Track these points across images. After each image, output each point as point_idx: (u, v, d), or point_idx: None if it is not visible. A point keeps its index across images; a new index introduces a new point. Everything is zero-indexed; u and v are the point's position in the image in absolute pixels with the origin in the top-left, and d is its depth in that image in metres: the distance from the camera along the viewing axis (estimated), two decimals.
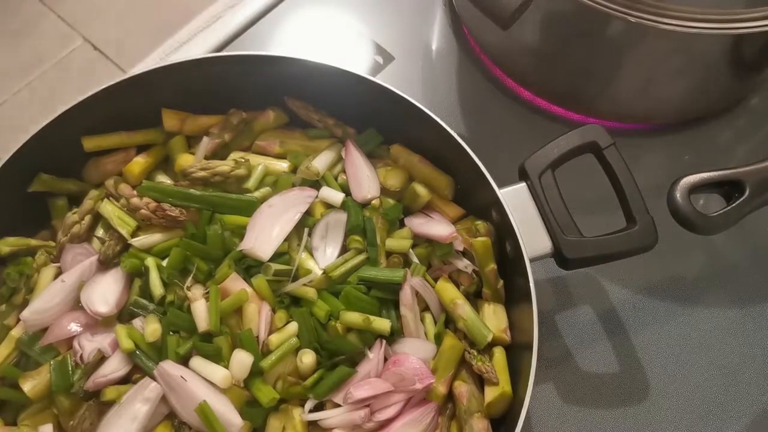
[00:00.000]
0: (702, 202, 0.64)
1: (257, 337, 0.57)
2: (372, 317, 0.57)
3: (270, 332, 0.57)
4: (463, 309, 0.59)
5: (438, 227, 0.63)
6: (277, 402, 0.56)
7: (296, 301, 0.59)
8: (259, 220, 0.60)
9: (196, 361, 0.56)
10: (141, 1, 1.90)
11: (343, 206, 0.63)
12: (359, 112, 0.66)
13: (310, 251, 0.61)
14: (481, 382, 0.59)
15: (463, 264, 0.62)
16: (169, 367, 0.55)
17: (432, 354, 0.58)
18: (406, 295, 0.59)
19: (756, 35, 0.60)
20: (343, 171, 0.66)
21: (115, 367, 0.56)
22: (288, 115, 0.68)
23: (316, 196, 0.63)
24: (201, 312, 0.56)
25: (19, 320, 0.59)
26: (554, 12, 0.67)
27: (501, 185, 0.60)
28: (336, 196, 0.63)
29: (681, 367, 0.69)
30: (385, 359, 0.57)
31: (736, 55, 0.67)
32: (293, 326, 0.57)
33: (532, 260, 0.57)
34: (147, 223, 0.62)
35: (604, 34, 0.65)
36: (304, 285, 0.59)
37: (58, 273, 0.61)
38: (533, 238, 0.59)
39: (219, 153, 0.66)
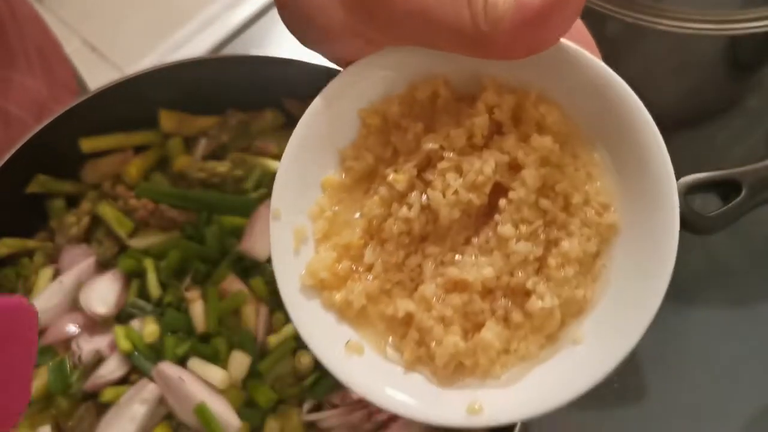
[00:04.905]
0: (699, 202, 0.64)
1: (255, 337, 0.57)
2: None
3: (268, 333, 0.57)
4: None
5: None
6: (275, 403, 0.56)
7: None
8: (257, 221, 0.60)
9: (194, 362, 0.56)
10: (140, 2, 1.90)
11: None
12: None
13: None
14: None
15: None
16: (167, 368, 0.55)
17: None
18: None
19: (752, 36, 0.60)
20: None
21: (113, 368, 0.56)
22: (285, 116, 0.68)
23: None
24: (199, 313, 0.56)
25: None
26: None
27: None
28: None
29: (678, 367, 0.69)
30: None
31: (733, 56, 0.67)
32: (291, 327, 0.57)
33: None
34: (145, 224, 0.62)
35: (601, 35, 0.65)
36: None
37: (56, 274, 0.61)
38: None
39: (217, 154, 0.66)
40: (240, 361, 0.55)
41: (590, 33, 0.40)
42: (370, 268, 0.37)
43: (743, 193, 0.59)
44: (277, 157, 0.66)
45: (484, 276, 0.35)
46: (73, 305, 0.59)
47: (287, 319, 0.58)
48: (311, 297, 0.36)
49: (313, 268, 0.36)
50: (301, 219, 0.37)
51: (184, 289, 0.58)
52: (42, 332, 0.58)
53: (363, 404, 0.55)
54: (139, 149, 0.67)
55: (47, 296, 0.59)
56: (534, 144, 0.35)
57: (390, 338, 0.37)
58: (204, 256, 0.60)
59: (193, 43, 0.89)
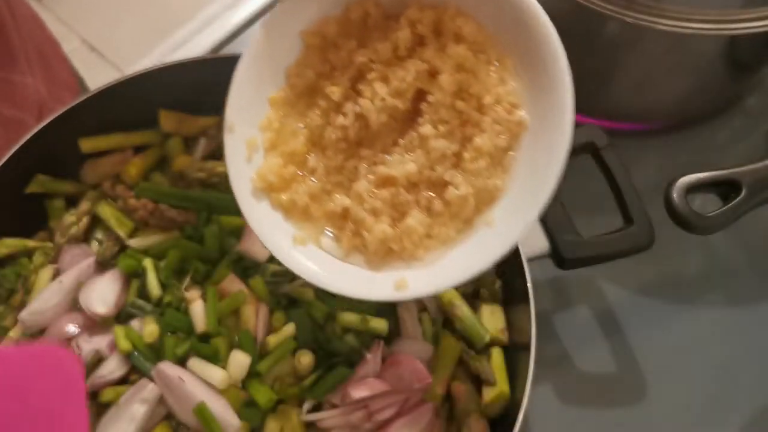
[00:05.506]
0: (699, 202, 0.64)
1: (255, 337, 0.57)
2: (369, 317, 0.57)
3: (268, 333, 0.57)
4: (461, 310, 0.59)
5: None
6: (275, 403, 0.56)
7: (294, 301, 0.59)
8: None
9: (194, 362, 0.55)
10: (140, 1, 1.90)
11: None
12: None
13: None
14: (478, 382, 0.59)
15: None
16: (167, 368, 0.55)
17: (430, 354, 0.58)
18: None
19: (751, 36, 0.60)
20: None
21: (113, 368, 0.56)
22: None
23: None
24: (199, 313, 0.56)
25: (17, 321, 0.59)
26: (550, 12, 0.67)
27: None
28: None
29: (678, 367, 0.69)
30: (383, 360, 0.57)
31: (732, 56, 0.67)
32: (291, 327, 0.57)
33: (529, 260, 0.57)
34: (144, 224, 0.62)
35: (601, 35, 0.65)
36: (302, 285, 0.59)
37: (56, 274, 0.61)
38: (530, 238, 0.59)
39: (216, 154, 0.66)
40: (240, 361, 0.55)
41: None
42: (313, 172, 0.42)
43: (743, 193, 0.59)
44: None
45: (408, 171, 0.40)
46: (73, 305, 0.59)
47: (287, 319, 0.58)
48: (261, 198, 0.42)
49: (262, 173, 0.41)
50: (252, 131, 0.42)
51: (184, 289, 0.58)
52: (42, 332, 0.58)
53: (363, 404, 0.55)
54: (138, 149, 0.67)
55: (47, 296, 0.59)
56: (450, 52, 0.40)
57: (330, 231, 0.43)
58: (203, 256, 0.60)
59: (193, 43, 0.89)
